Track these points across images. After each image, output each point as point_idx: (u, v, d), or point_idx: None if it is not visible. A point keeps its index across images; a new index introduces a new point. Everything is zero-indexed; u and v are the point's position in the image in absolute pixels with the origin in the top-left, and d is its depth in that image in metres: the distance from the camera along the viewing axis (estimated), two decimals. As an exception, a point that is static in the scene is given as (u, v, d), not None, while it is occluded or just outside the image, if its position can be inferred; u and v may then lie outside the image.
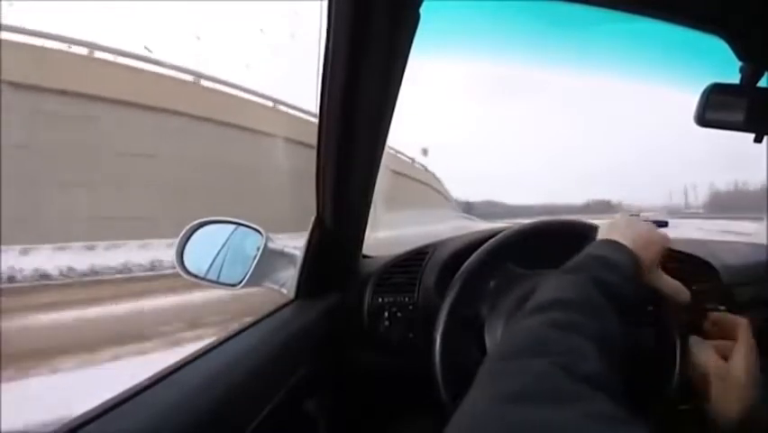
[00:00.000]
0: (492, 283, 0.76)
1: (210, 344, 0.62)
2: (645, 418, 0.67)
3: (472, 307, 0.74)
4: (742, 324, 0.58)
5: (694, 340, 0.59)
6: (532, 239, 0.76)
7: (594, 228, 0.75)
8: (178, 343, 2.91)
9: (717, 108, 0.73)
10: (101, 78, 5.02)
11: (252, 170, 6.06)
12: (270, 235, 0.81)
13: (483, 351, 0.72)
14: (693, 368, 0.57)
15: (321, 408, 0.83)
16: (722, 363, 0.55)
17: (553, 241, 0.76)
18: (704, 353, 0.57)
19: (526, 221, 0.81)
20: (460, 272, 0.74)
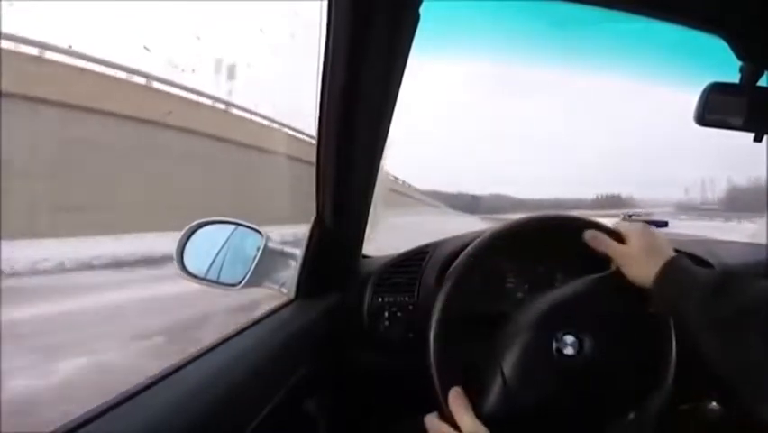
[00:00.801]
0: (479, 279, 0.78)
1: (210, 344, 0.62)
2: (644, 416, 0.67)
3: (465, 305, 0.74)
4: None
5: (590, 233, 0.67)
6: (520, 234, 0.77)
7: (579, 221, 0.77)
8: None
9: (716, 108, 0.73)
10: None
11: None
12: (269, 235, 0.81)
13: (478, 347, 0.73)
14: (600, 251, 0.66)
15: (321, 408, 0.83)
16: (619, 245, 0.64)
17: (541, 235, 0.77)
18: (604, 240, 0.66)
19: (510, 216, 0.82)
20: (449, 271, 0.75)
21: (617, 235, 0.66)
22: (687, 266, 0.58)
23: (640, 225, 0.66)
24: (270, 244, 0.81)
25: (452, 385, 0.68)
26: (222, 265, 0.78)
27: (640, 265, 0.61)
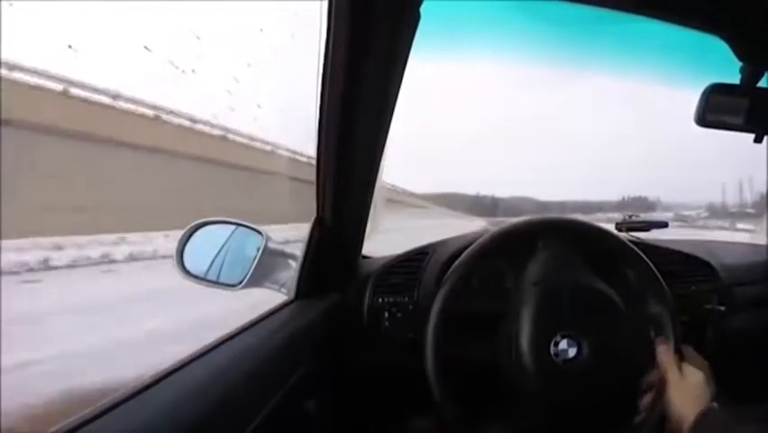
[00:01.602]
0: (478, 280, 0.81)
1: (210, 344, 0.62)
2: (642, 416, 0.67)
3: (464, 306, 0.74)
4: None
5: (660, 342, 0.67)
6: (519, 236, 0.77)
7: (577, 223, 0.76)
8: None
9: (717, 109, 0.73)
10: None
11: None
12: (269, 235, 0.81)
13: (475, 347, 0.73)
14: (655, 366, 0.65)
15: (321, 408, 0.83)
16: (677, 370, 0.63)
17: (539, 236, 0.77)
18: (666, 355, 0.65)
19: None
20: (449, 272, 0.75)
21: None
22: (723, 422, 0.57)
23: (702, 360, 0.66)
24: (270, 245, 0.80)
25: (450, 385, 0.68)
26: (222, 265, 0.78)
27: (686, 401, 0.60)
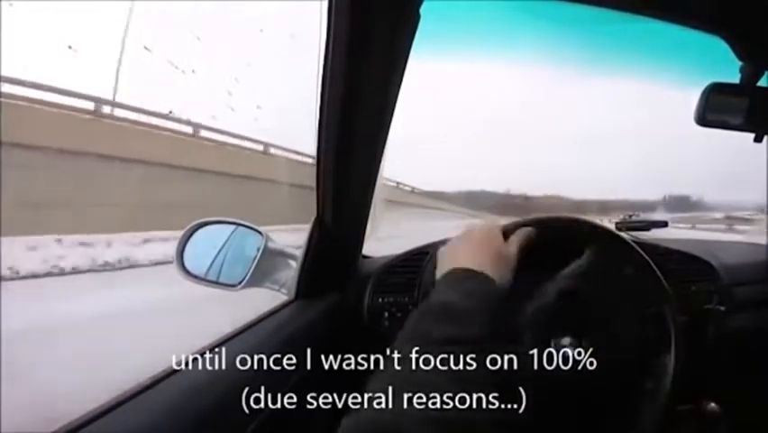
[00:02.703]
0: None
1: (211, 344, 0.62)
2: (642, 416, 0.67)
3: None
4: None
5: None
6: None
7: (580, 222, 0.76)
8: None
9: (717, 108, 0.74)
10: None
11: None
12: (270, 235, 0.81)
13: None
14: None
15: (321, 408, 0.83)
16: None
17: (541, 236, 0.77)
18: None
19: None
20: None
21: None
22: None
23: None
24: (270, 245, 0.80)
25: None
26: (222, 265, 0.78)
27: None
